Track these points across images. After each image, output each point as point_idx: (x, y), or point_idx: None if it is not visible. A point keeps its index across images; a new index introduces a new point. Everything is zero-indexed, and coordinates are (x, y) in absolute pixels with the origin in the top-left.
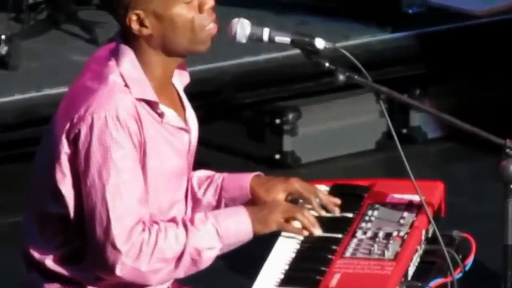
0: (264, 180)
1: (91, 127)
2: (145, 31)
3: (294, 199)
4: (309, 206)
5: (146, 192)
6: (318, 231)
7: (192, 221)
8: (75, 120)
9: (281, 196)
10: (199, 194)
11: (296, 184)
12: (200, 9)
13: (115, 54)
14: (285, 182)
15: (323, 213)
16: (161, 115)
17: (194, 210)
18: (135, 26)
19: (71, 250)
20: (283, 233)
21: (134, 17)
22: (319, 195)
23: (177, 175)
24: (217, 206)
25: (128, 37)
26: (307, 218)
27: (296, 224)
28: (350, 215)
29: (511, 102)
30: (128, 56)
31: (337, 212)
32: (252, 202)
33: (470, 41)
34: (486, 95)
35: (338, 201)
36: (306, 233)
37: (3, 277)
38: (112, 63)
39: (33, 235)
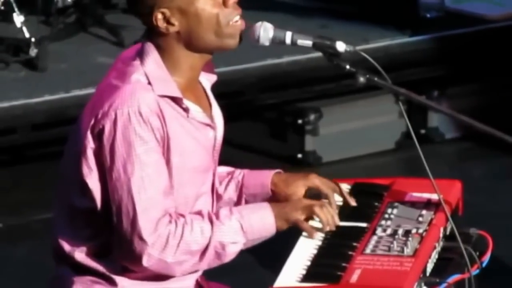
0: (284, 177)
1: (114, 122)
2: (172, 29)
3: (317, 194)
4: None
5: (171, 185)
6: (334, 227)
7: (217, 215)
8: (99, 116)
9: (301, 191)
10: (220, 190)
11: (316, 180)
12: (225, 3)
13: (140, 54)
14: (305, 178)
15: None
16: (186, 110)
17: (216, 204)
18: (162, 24)
19: (99, 243)
20: None
21: (160, 16)
22: (337, 190)
23: (202, 170)
24: (238, 202)
25: (155, 37)
26: (325, 215)
27: (316, 222)
28: (370, 212)
29: None
30: (153, 56)
31: (353, 203)
32: (273, 198)
33: (486, 44)
34: (502, 96)
35: (353, 200)
36: (316, 235)
37: (34, 272)
38: (137, 62)
39: (63, 229)
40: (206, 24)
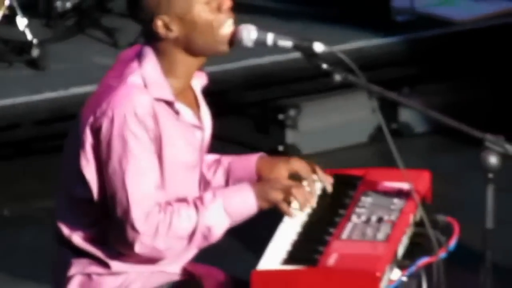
0: (268, 160)
1: (112, 121)
2: (171, 34)
3: (299, 178)
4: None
5: (162, 180)
6: (311, 206)
7: (202, 200)
8: (98, 114)
9: (284, 175)
10: (209, 176)
11: (297, 164)
12: (219, 9)
13: (139, 57)
14: (287, 161)
15: (317, 191)
16: (177, 112)
17: (205, 190)
18: (162, 30)
19: (95, 230)
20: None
21: (160, 22)
22: (316, 173)
23: (190, 167)
24: (226, 186)
25: (154, 41)
26: (302, 196)
27: (294, 203)
28: (346, 201)
29: (490, 100)
30: (150, 60)
31: (329, 188)
32: (258, 181)
33: (453, 46)
34: (467, 93)
35: (331, 179)
36: (293, 214)
37: (39, 257)
38: (135, 64)
39: (63, 215)
40: (202, 30)
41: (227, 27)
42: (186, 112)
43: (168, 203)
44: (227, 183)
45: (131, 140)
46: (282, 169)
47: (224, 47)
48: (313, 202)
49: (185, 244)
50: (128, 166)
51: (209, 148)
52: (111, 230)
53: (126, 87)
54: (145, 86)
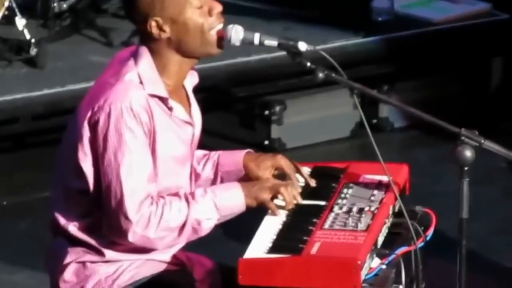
0: (255, 156)
1: (109, 115)
2: (164, 35)
3: (282, 174)
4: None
5: (154, 173)
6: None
7: (193, 195)
8: (95, 109)
9: (269, 170)
10: (198, 169)
11: (282, 161)
12: (210, 13)
13: (135, 56)
14: (273, 158)
15: (299, 189)
16: (170, 109)
17: (195, 183)
18: (155, 31)
19: (90, 219)
20: None
21: (153, 23)
22: (299, 171)
23: (181, 161)
24: (214, 179)
25: (148, 41)
26: (289, 195)
27: (280, 201)
28: (328, 192)
29: (465, 97)
30: (146, 58)
31: (313, 183)
32: (245, 177)
33: (430, 45)
34: (444, 90)
35: (313, 181)
36: (279, 212)
37: (35, 245)
38: (131, 63)
39: (59, 206)
40: (193, 32)
41: (214, 32)
42: (178, 109)
43: (160, 196)
44: (215, 177)
45: (127, 134)
46: (268, 166)
47: (214, 50)
48: (300, 201)
49: (176, 236)
50: (123, 159)
51: (199, 143)
52: (105, 220)
53: (123, 84)
54: (141, 83)
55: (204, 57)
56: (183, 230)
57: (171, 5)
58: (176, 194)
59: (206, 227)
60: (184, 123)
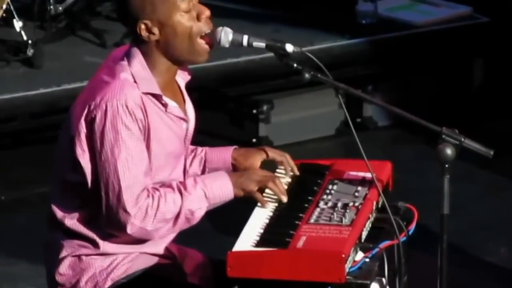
0: (242, 152)
1: (105, 112)
2: (153, 37)
3: (271, 163)
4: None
5: (150, 167)
6: (285, 199)
7: (185, 186)
8: (92, 106)
9: (257, 162)
10: (186, 165)
11: (270, 152)
12: (198, 18)
13: (128, 56)
14: (260, 151)
15: (290, 175)
16: (164, 105)
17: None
18: (144, 33)
19: (86, 212)
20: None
21: (143, 26)
22: (288, 157)
23: (176, 155)
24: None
25: (139, 43)
26: (277, 187)
27: (267, 192)
28: (314, 188)
29: (447, 96)
30: (138, 59)
31: (297, 173)
32: (233, 169)
33: (413, 47)
34: (425, 90)
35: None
36: (267, 204)
37: (32, 239)
38: (125, 63)
39: (56, 199)
40: (181, 36)
41: (202, 40)
42: (172, 105)
43: (155, 189)
44: (203, 172)
45: (123, 130)
46: (256, 158)
47: (199, 59)
48: (285, 194)
49: (171, 226)
50: (120, 154)
51: (192, 139)
52: (104, 213)
53: (118, 82)
54: (135, 81)
55: (190, 65)
56: (177, 220)
57: (160, 8)
58: (169, 186)
59: (198, 216)
60: (179, 118)
